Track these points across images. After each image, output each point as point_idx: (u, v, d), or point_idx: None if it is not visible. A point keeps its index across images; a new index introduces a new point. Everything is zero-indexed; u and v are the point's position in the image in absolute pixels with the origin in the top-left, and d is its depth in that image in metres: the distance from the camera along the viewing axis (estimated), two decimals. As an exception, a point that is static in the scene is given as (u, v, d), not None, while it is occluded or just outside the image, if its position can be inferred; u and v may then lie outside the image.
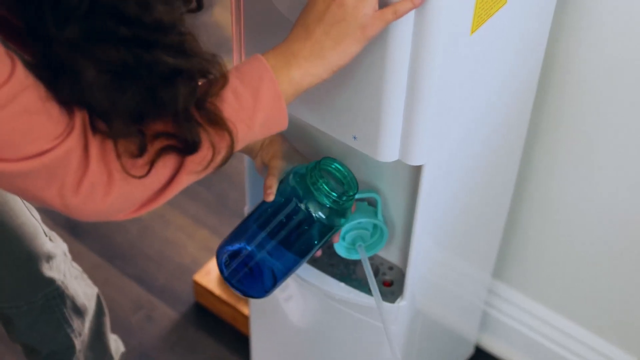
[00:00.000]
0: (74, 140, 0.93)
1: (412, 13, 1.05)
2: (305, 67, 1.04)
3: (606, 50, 1.42)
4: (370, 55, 1.09)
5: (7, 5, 0.90)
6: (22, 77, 0.88)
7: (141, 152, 0.96)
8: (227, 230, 1.37)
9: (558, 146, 1.58)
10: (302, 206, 1.26)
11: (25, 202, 1.47)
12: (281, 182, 1.30)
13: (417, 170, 1.25)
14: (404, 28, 1.06)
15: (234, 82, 1.02)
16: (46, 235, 1.51)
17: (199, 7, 0.99)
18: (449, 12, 1.06)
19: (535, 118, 1.55)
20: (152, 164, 0.97)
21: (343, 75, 1.08)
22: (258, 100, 1.02)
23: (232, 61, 1.31)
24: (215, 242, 1.34)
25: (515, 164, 1.58)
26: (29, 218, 1.47)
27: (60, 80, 0.91)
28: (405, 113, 1.15)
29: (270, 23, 1.18)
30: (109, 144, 0.95)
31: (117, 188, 0.96)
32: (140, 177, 0.97)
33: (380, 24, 1.04)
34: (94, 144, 0.94)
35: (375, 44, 1.07)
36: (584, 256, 1.70)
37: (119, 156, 0.95)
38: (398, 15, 1.04)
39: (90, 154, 0.94)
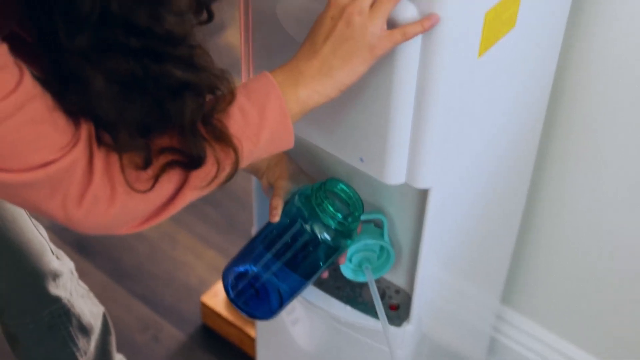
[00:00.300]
0: (79, 152, 0.92)
1: (419, 35, 1.05)
2: (313, 85, 1.04)
3: (619, 64, 1.41)
4: (377, 77, 1.09)
5: (18, 16, 0.90)
6: (30, 86, 0.88)
7: (146, 166, 0.96)
8: (236, 251, 1.37)
9: (569, 169, 1.57)
10: (308, 227, 1.26)
11: (32, 219, 1.47)
12: (287, 203, 1.30)
13: (424, 193, 1.25)
14: (411, 50, 1.06)
15: (240, 98, 1.02)
16: (53, 253, 1.51)
17: (210, 18, 1.00)
18: (456, 34, 1.06)
19: (545, 141, 1.54)
20: (156, 178, 0.97)
21: (350, 97, 1.08)
22: (264, 117, 1.02)
23: (241, 82, 1.31)
24: (224, 263, 1.34)
25: (525, 186, 1.57)
26: (36, 236, 1.47)
27: (68, 90, 0.91)
28: (412, 136, 1.15)
29: (279, 44, 1.18)
30: (114, 157, 0.95)
31: (120, 201, 0.96)
32: (144, 192, 0.97)
33: (389, 44, 1.03)
34: (99, 156, 0.94)
35: (382, 65, 1.07)
36: (595, 283, 1.68)
37: (123, 170, 0.95)
38: (406, 38, 1.04)
39: (95, 166, 0.94)
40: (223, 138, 0.99)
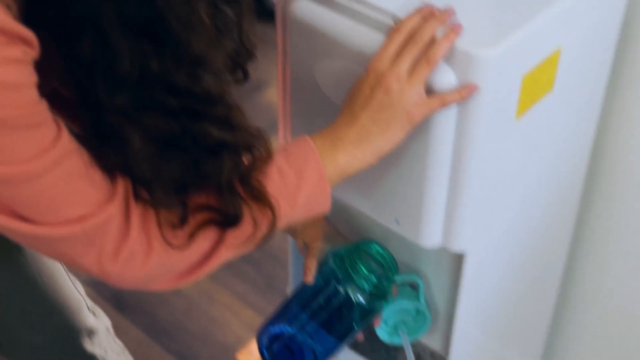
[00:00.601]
0: (115, 208, 0.93)
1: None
2: (352, 151, 1.04)
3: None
4: (413, 141, 1.09)
5: (59, 74, 0.92)
6: (67, 142, 0.89)
7: (182, 223, 0.96)
8: (273, 310, 1.36)
9: (610, 229, 1.55)
10: (341, 289, 1.25)
11: (70, 275, 1.48)
12: (321, 263, 1.29)
13: (460, 256, 1.24)
14: (447, 113, 1.06)
15: (279, 160, 1.02)
16: (89, 310, 1.51)
17: (245, 77, 1.00)
18: (493, 99, 1.06)
19: (585, 202, 1.53)
20: (192, 235, 0.97)
21: (386, 160, 1.08)
22: (302, 179, 1.03)
23: (277, 141, 1.32)
24: (260, 322, 1.34)
25: (564, 249, 1.55)
26: (73, 292, 1.48)
27: (106, 148, 0.92)
28: (448, 199, 1.14)
29: (316, 105, 1.19)
30: (151, 213, 0.95)
31: (155, 257, 0.96)
32: (180, 248, 0.97)
33: (426, 111, 1.04)
34: (136, 212, 0.95)
35: (419, 128, 1.07)
36: None
37: (159, 225, 0.95)
38: (444, 105, 1.04)
39: (132, 222, 0.94)
40: (260, 197, 0.99)
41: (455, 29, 1.02)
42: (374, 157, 1.05)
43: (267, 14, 1.74)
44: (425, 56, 1.02)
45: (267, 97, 2.63)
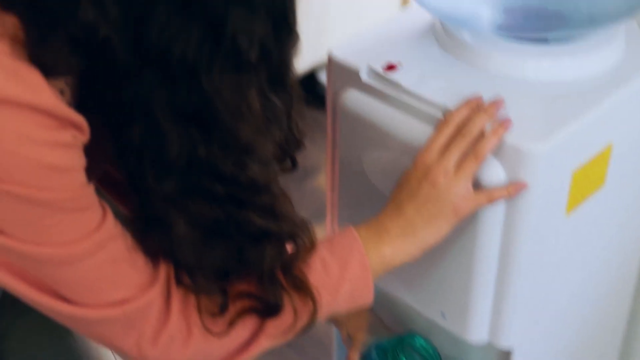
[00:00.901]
0: (157, 292, 0.93)
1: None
2: (397, 243, 1.04)
3: None
4: (460, 234, 1.08)
5: (108, 157, 0.93)
6: (112, 226, 0.89)
7: (222, 310, 0.96)
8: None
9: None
10: (384, 383, 1.24)
11: (116, 356, 1.48)
12: (365, 356, 1.28)
13: (507, 352, 1.21)
14: (495, 208, 1.05)
15: (323, 251, 1.02)
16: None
17: (294, 166, 1.01)
18: (543, 194, 1.05)
19: (638, 296, 1.49)
20: (232, 323, 0.96)
21: (433, 252, 1.07)
22: (345, 271, 1.02)
23: (325, 228, 1.31)
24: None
25: (617, 344, 1.51)
26: (118, 371, 1.47)
27: (151, 231, 0.92)
28: (496, 294, 1.13)
29: (364, 195, 1.19)
30: (191, 299, 0.95)
31: (194, 344, 0.95)
32: (219, 336, 0.96)
33: (473, 206, 1.03)
34: (177, 297, 0.95)
35: (466, 224, 1.06)
36: None
37: (199, 312, 0.95)
38: (491, 201, 1.03)
39: (172, 307, 0.94)
40: (302, 287, 0.99)
41: (504, 124, 1.02)
42: (419, 250, 1.05)
43: (318, 100, 1.76)
44: (473, 151, 1.02)
45: (317, 183, 2.64)
